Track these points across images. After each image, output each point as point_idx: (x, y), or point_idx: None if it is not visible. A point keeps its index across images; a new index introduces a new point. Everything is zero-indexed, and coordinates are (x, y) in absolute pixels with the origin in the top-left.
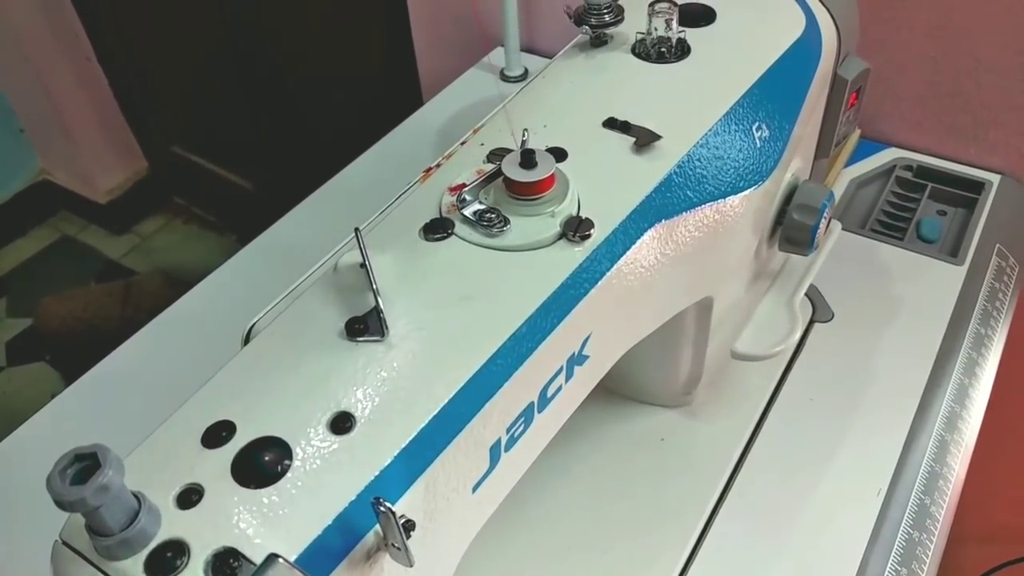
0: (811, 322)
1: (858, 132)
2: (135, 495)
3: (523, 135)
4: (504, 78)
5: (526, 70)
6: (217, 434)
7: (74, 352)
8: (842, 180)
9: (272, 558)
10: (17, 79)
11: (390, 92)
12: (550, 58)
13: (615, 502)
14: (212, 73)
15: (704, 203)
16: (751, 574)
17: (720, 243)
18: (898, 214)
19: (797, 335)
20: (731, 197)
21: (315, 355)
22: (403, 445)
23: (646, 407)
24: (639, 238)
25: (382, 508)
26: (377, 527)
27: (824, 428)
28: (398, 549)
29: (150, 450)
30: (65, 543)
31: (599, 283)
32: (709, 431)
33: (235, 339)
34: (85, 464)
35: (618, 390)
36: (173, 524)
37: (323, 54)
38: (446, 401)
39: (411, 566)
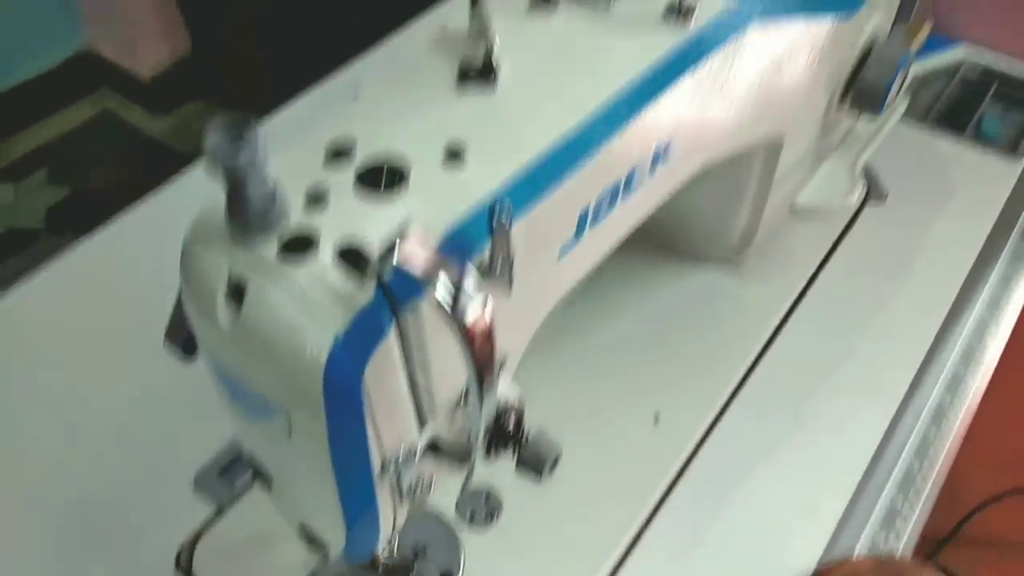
0: (865, 201)
1: (929, 24)
2: (271, 182)
3: None
4: None
5: None
6: (340, 154)
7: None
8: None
9: (411, 226)
10: None
11: None
12: None
13: (659, 345)
14: None
15: (796, 14)
16: (785, 422)
17: (801, 70)
18: (961, 109)
19: (856, 197)
20: (822, 17)
21: (428, 96)
22: (509, 180)
23: (699, 264)
24: (735, 32)
25: (502, 209)
26: (482, 255)
27: (868, 301)
28: (503, 266)
29: (274, 161)
30: (197, 232)
31: (694, 68)
32: (757, 291)
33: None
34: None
35: (675, 244)
36: (302, 221)
37: None
38: (548, 149)
39: (510, 291)
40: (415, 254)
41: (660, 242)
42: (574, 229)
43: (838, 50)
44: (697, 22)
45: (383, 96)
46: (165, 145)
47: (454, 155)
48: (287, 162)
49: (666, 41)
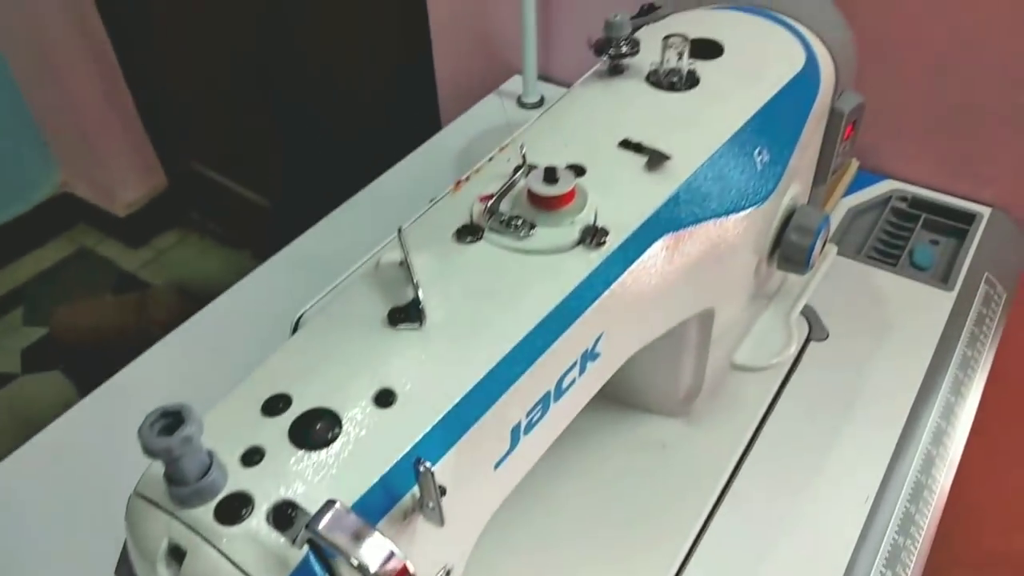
0: (807, 340)
1: (857, 163)
2: (207, 452)
3: (521, 149)
4: (521, 105)
5: (542, 97)
6: (276, 405)
7: (88, 362)
8: (840, 209)
9: (330, 503)
10: (43, 92)
11: (409, 116)
12: (565, 86)
13: (619, 499)
14: (234, 92)
15: (708, 219)
16: (745, 572)
17: (722, 257)
18: (893, 242)
19: (794, 348)
20: (733, 215)
21: (360, 339)
22: (438, 419)
23: (649, 415)
24: (648, 247)
25: (423, 467)
26: (414, 490)
27: (817, 439)
28: (432, 509)
29: (215, 417)
30: (141, 495)
31: (612, 286)
32: (708, 439)
33: (253, 350)
34: (168, 421)
35: (623, 399)
36: (238, 479)
37: (344, 76)
38: (476, 383)
39: (442, 525)
40: (334, 531)
41: (607, 396)
42: (508, 444)
43: (758, 228)
44: (611, 243)
45: (318, 341)
46: (141, 279)
47: (385, 401)
48: (224, 417)
49: (583, 265)
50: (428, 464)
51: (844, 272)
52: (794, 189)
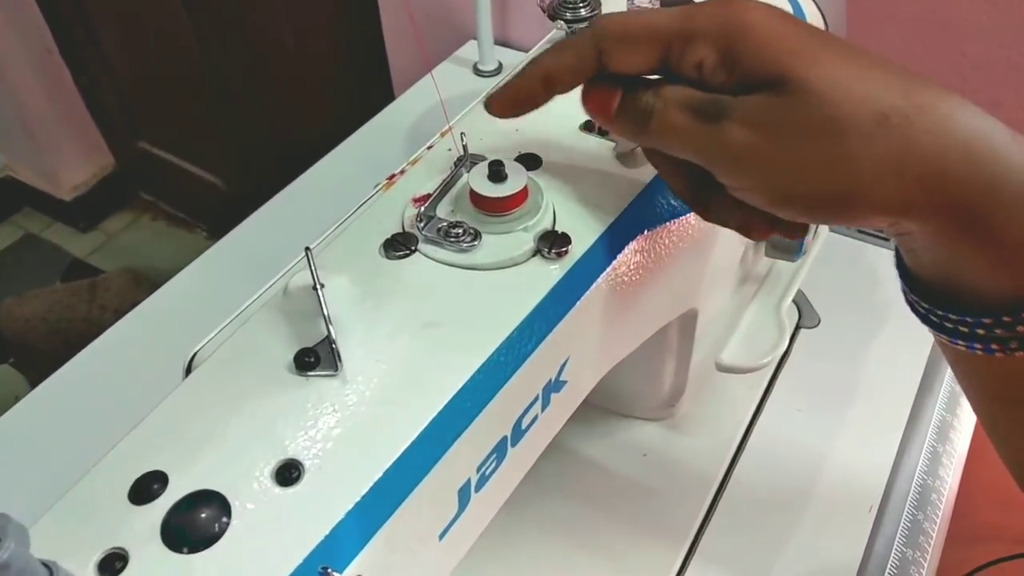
0: (797, 328)
1: None
2: (45, 565)
3: (462, 138)
4: (477, 72)
5: (500, 64)
6: (147, 487)
7: (39, 354)
8: None
9: None
10: None
11: (361, 88)
12: (524, 52)
13: (597, 522)
14: (179, 67)
15: (688, 211)
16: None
17: (704, 252)
18: None
19: (784, 346)
20: None
21: (260, 392)
22: (359, 497)
23: (628, 421)
24: (620, 252)
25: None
26: None
27: (813, 440)
28: None
29: (70, 507)
30: None
31: (577, 303)
32: (694, 445)
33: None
34: None
35: (599, 404)
36: None
37: (293, 49)
38: (408, 443)
39: None
40: None
41: (588, 402)
42: (455, 508)
43: None
44: (574, 251)
45: (206, 395)
46: (91, 264)
47: (289, 477)
48: (79, 506)
49: (541, 280)
50: (337, 575)
51: (835, 250)
52: None
